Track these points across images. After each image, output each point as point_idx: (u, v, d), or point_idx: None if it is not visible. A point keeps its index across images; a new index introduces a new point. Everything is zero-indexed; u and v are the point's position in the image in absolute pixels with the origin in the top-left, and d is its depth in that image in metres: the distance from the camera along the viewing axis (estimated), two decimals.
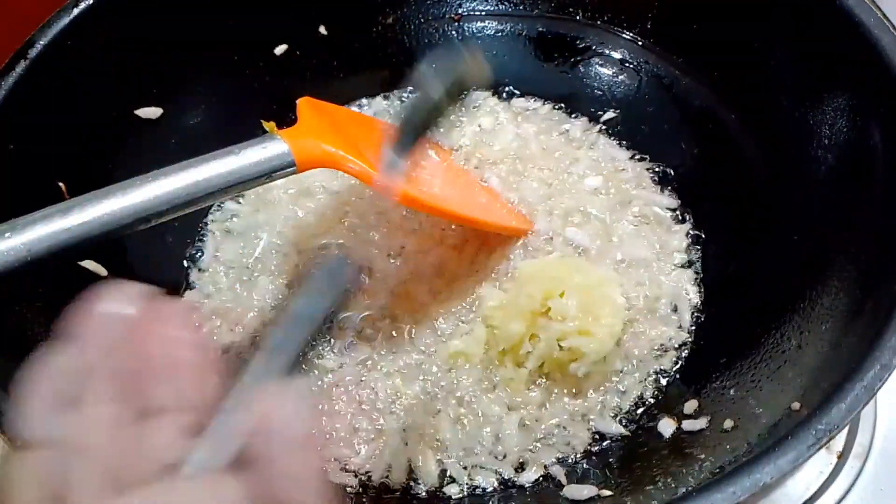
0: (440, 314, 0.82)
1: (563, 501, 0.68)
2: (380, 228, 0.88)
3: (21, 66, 0.73)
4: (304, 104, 0.72)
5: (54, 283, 0.70)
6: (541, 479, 0.72)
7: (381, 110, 1.02)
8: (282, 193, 0.93)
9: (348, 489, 0.72)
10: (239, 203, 0.93)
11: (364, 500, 0.71)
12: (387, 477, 0.73)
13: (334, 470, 0.73)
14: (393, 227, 0.88)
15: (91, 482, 0.33)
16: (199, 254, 0.89)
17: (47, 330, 0.67)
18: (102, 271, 0.76)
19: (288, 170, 0.65)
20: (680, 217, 0.89)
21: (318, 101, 0.75)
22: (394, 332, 0.81)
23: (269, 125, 0.69)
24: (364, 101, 1.02)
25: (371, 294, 0.83)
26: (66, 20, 0.77)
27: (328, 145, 0.67)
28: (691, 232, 0.88)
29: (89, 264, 0.76)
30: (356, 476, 0.73)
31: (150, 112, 0.87)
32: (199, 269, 0.88)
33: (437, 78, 0.62)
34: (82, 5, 0.78)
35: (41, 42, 0.75)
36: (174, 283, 0.87)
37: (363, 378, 0.79)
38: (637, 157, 0.95)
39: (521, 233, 0.86)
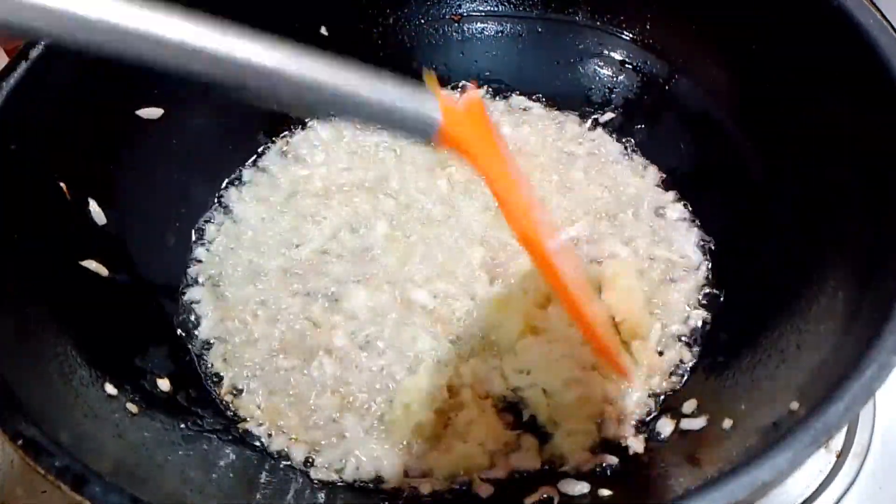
0: (438, 315, 0.82)
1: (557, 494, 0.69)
2: (379, 228, 0.89)
3: (23, 67, 0.72)
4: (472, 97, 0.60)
5: (57, 283, 0.71)
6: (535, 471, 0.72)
7: None
8: (283, 194, 0.94)
9: (320, 481, 0.73)
10: (245, 201, 0.94)
11: (334, 495, 0.72)
12: (357, 471, 0.73)
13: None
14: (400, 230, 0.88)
15: None
16: (201, 255, 0.90)
17: (51, 330, 0.67)
18: (104, 271, 0.77)
19: (419, 134, 0.55)
20: (677, 217, 0.89)
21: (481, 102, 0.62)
22: (386, 333, 0.81)
23: (429, 77, 0.57)
24: None
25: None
26: None
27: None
28: (688, 232, 0.88)
29: (90, 264, 0.76)
30: (331, 472, 0.73)
31: (152, 112, 0.87)
32: (200, 269, 0.89)
33: None
34: None
35: (43, 42, 0.75)
36: (175, 283, 0.87)
37: (350, 378, 0.79)
38: (635, 156, 0.95)
39: (620, 370, 0.74)
